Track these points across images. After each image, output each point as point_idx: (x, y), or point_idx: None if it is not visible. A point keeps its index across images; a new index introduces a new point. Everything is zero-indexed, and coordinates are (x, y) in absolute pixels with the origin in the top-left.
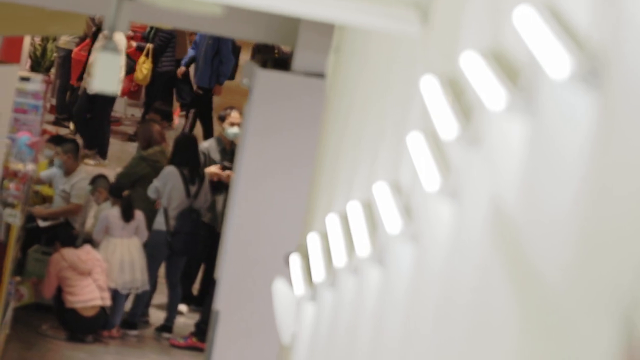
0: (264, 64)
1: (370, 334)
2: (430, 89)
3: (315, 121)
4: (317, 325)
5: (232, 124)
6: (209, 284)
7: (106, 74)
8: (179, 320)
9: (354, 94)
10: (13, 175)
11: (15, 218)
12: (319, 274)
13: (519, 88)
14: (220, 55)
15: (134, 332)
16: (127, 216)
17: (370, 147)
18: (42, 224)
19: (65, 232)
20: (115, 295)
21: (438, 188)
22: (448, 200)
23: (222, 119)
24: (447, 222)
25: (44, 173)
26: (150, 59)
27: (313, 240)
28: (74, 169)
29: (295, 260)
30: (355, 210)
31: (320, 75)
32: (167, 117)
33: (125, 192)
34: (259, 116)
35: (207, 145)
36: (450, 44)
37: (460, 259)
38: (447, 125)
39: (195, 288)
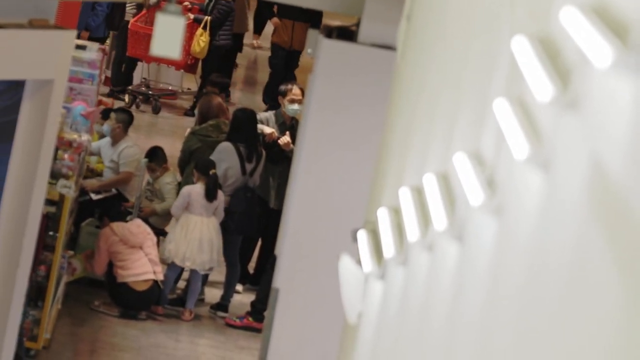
0: (329, 34)
1: (445, 313)
2: (523, 50)
3: (381, 94)
4: (385, 304)
5: (293, 101)
6: (266, 262)
7: (167, 37)
8: (235, 299)
9: (429, 62)
10: (67, 145)
11: (69, 189)
12: (389, 250)
13: (627, 45)
14: None
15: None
16: (212, 195)
17: (447, 117)
18: (94, 197)
19: (114, 206)
20: (193, 275)
21: (528, 156)
22: (538, 169)
23: (282, 94)
24: (537, 193)
25: (94, 144)
26: (207, 32)
27: (383, 216)
28: (122, 139)
29: (363, 236)
30: (431, 182)
31: (388, 47)
32: (225, 90)
33: (212, 171)
34: (323, 88)
35: (266, 116)
36: (542, 2)
37: (551, 231)
38: (543, 87)
39: (252, 266)
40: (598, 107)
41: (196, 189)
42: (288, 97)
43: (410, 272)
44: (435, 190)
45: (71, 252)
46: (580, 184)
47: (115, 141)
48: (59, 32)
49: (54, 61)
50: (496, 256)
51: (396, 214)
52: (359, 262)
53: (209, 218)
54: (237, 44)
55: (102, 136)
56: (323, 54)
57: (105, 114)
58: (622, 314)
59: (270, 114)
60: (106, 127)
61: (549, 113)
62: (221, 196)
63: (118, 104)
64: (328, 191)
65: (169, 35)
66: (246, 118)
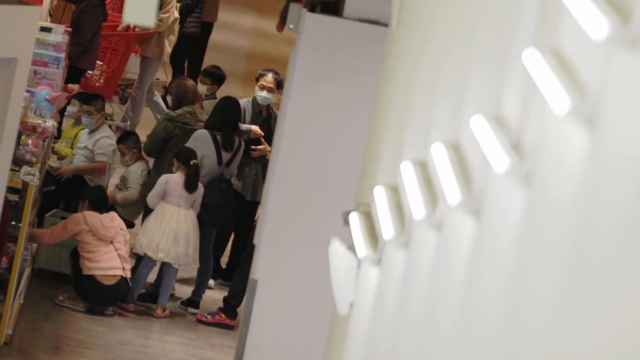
0: (313, 8)
1: (458, 300)
2: None
3: (369, 71)
4: (382, 292)
5: (263, 87)
6: (239, 257)
7: (141, 4)
8: (206, 295)
9: (430, 27)
10: (31, 130)
11: (33, 177)
12: (388, 232)
13: None
14: None
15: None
16: (192, 187)
17: (454, 83)
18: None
19: (96, 192)
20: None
21: (569, 110)
22: (582, 124)
23: (256, 79)
24: (580, 152)
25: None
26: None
27: (380, 195)
28: (100, 125)
29: (355, 219)
30: (440, 152)
31: (375, 22)
32: (219, 83)
33: (193, 161)
34: (306, 65)
35: (243, 104)
36: None
37: (602, 195)
38: (595, 24)
39: (224, 261)
40: None
41: (175, 178)
42: (259, 83)
43: (414, 255)
44: (446, 161)
45: (34, 245)
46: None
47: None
48: (23, 7)
49: (18, 38)
50: (526, 230)
51: (395, 192)
52: (350, 247)
53: (187, 210)
54: (206, 33)
55: (77, 120)
56: (306, 29)
57: (83, 97)
58: None
59: (247, 102)
60: (88, 120)
61: (597, 58)
62: (201, 189)
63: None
64: (311, 175)
65: (143, 1)
66: (228, 106)
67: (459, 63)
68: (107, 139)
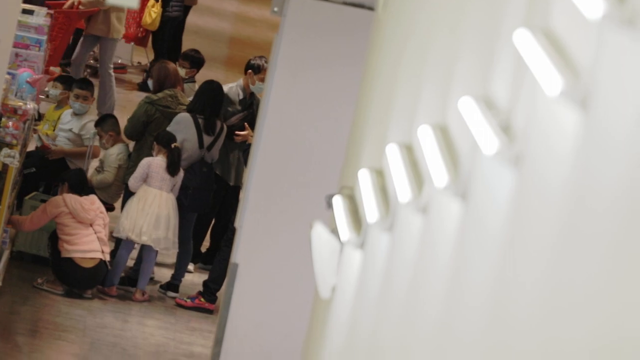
0: None
1: (445, 282)
2: None
3: (354, 55)
4: (365, 276)
5: (263, 80)
6: (219, 241)
7: None
8: (186, 279)
9: (417, 10)
10: (12, 112)
11: (13, 159)
12: (372, 215)
13: None
14: None
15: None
16: (174, 169)
17: (441, 65)
18: (25, 170)
19: (75, 175)
20: (147, 254)
21: (562, 90)
22: (575, 105)
23: (255, 69)
24: (572, 134)
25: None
26: (159, 3)
27: (364, 178)
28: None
29: (338, 202)
30: (427, 134)
31: (361, 5)
32: (198, 67)
33: (175, 144)
34: (290, 49)
35: (228, 90)
36: None
37: (595, 178)
38: (593, 4)
39: (205, 246)
40: None
41: (157, 161)
42: (261, 75)
43: (398, 238)
44: (433, 143)
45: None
46: (629, 127)
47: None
48: None
49: (0, 20)
50: (516, 213)
51: (379, 175)
52: (333, 231)
53: (167, 193)
54: (183, 17)
55: (58, 104)
56: (291, 13)
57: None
58: None
59: (236, 87)
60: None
61: (591, 38)
62: (181, 172)
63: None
64: (293, 159)
65: None
66: (210, 89)
67: (446, 44)
68: (93, 123)
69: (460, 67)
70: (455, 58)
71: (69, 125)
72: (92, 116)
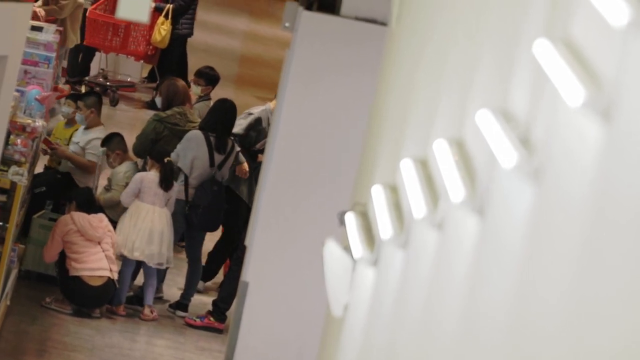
0: (309, 6)
1: (462, 299)
2: None
3: (366, 71)
4: (378, 294)
5: None
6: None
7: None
8: (195, 298)
9: (431, 24)
10: (21, 130)
11: (21, 177)
12: (386, 232)
13: None
14: None
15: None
16: (167, 184)
17: (458, 77)
18: (36, 190)
19: (84, 194)
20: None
21: (584, 101)
22: (597, 116)
23: None
24: (594, 145)
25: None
26: (169, 21)
27: (377, 194)
28: (96, 125)
29: (351, 219)
30: (443, 149)
31: (372, 20)
32: (213, 84)
33: (167, 159)
34: (302, 64)
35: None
36: None
37: (615, 195)
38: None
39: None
40: None
41: (149, 176)
42: None
43: (413, 255)
44: (449, 157)
45: (22, 246)
46: None
47: (89, 126)
48: (14, 4)
49: (8, 36)
50: (536, 228)
51: (393, 191)
52: (346, 248)
53: (161, 208)
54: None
55: (68, 121)
56: (302, 28)
57: (77, 97)
58: None
59: (265, 112)
60: (79, 117)
61: (614, 47)
62: (175, 187)
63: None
64: (304, 175)
65: None
66: (223, 108)
67: (463, 56)
68: (99, 140)
69: (477, 79)
70: (472, 70)
71: (77, 139)
72: (99, 133)
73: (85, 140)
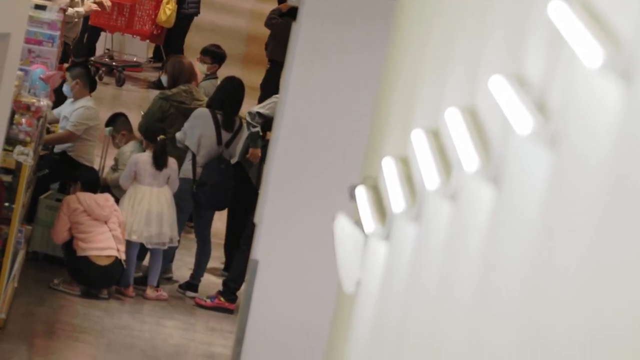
0: None
1: (477, 270)
2: None
3: (374, 43)
4: (391, 268)
5: None
6: (238, 237)
7: None
8: (205, 278)
9: None
10: (25, 109)
11: (27, 157)
12: (398, 205)
13: None
14: None
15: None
16: (160, 163)
17: (469, 44)
18: (39, 173)
19: (89, 174)
20: (152, 251)
21: (603, 62)
22: (617, 77)
23: None
24: (613, 110)
25: (55, 110)
26: (174, 0)
27: (389, 166)
28: (82, 96)
29: (362, 193)
30: (455, 118)
31: None
32: (220, 62)
33: (161, 137)
34: (309, 38)
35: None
36: None
37: (637, 158)
38: None
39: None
40: None
41: (144, 157)
42: None
43: (426, 227)
44: (462, 126)
45: (29, 227)
46: None
47: (75, 98)
48: None
49: (11, 13)
50: (554, 195)
51: (404, 163)
52: (357, 222)
53: (160, 188)
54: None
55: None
56: (309, 1)
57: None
58: None
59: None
60: (65, 87)
61: (632, 5)
62: (172, 164)
63: None
64: (313, 151)
65: None
66: (231, 86)
67: (475, 22)
68: (84, 109)
69: (489, 45)
70: (484, 36)
71: (66, 112)
72: (84, 103)
73: (70, 112)
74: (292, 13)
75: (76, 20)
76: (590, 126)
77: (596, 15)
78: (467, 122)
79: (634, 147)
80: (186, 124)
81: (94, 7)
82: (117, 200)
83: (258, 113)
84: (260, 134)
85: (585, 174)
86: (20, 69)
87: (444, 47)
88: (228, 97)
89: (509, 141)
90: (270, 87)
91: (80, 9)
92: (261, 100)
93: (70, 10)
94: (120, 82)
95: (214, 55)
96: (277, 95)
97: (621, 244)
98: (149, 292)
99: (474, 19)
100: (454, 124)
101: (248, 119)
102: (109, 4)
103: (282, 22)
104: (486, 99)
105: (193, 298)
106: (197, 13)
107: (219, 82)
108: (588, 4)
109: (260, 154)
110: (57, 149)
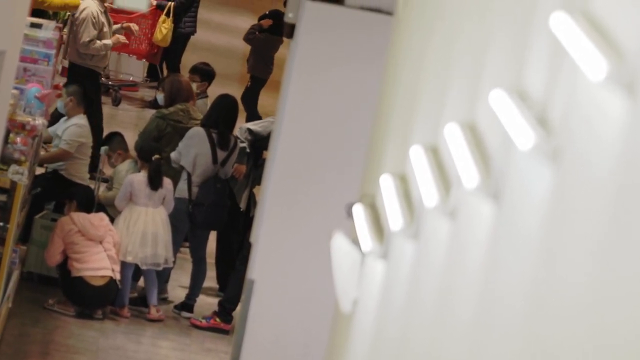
0: None
1: (477, 289)
2: None
3: (371, 60)
4: (388, 287)
5: None
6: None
7: None
8: (201, 299)
9: (442, 6)
10: (20, 128)
11: (22, 176)
12: (396, 222)
13: None
14: None
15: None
16: (155, 183)
17: (469, 58)
18: (32, 191)
19: (85, 193)
20: (145, 272)
21: (606, 74)
22: (621, 92)
23: None
24: (617, 124)
25: (50, 129)
26: (171, 19)
27: (386, 183)
28: (76, 114)
29: (359, 211)
30: (455, 133)
31: (378, 10)
32: (209, 80)
33: (156, 156)
34: (306, 56)
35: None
36: None
37: None
38: None
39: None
40: None
41: (139, 178)
42: None
43: (425, 245)
44: (462, 141)
45: (23, 247)
46: None
47: (68, 116)
48: None
49: (6, 30)
50: (556, 211)
51: (402, 181)
52: (354, 241)
53: (155, 209)
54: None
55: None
56: (306, 18)
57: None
58: None
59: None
60: (60, 103)
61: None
62: (168, 184)
63: None
64: (310, 169)
65: None
66: (225, 104)
67: (474, 35)
68: (76, 127)
69: (490, 58)
70: (483, 50)
71: (59, 131)
72: (77, 120)
73: (62, 130)
74: (273, 29)
75: (103, 53)
76: (593, 140)
77: (599, 27)
78: (467, 138)
79: (637, 162)
80: (181, 144)
81: (122, 39)
82: (112, 219)
83: (249, 129)
84: (248, 150)
85: (587, 190)
86: (16, 88)
87: (442, 62)
88: (222, 115)
89: (510, 156)
90: (250, 101)
91: (108, 42)
92: (248, 116)
93: (98, 44)
94: (116, 102)
95: (203, 73)
96: (272, 118)
97: (623, 259)
98: (153, 312)
99: (473, 32)
100: (454, 139)
101: (238, 134)
102: (137, 28)
103: (261, 38)
104: (486, 114)
105: (188, 318)
106: (193, 32)
107: (209, 101)
108: (591, 16)
109: (245, 170)
110: (49, 167)
